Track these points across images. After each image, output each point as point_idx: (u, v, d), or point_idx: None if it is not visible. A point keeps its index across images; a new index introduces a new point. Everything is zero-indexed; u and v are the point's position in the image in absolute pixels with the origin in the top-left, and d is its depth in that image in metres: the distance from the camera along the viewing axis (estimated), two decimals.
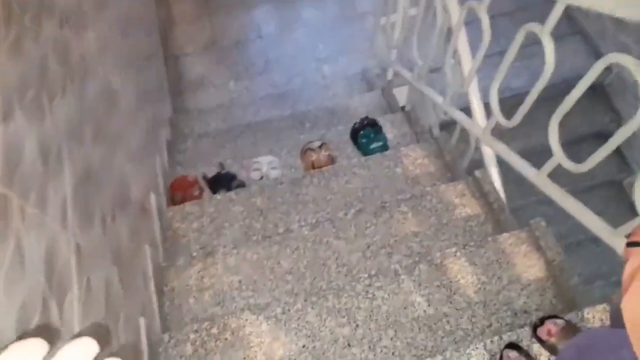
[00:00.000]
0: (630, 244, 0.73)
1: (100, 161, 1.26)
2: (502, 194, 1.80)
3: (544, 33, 1.24)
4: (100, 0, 1.58)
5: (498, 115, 1.57)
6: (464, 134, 2.00)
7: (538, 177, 1.41)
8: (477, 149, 1.95)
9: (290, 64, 3.12)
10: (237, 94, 3.01)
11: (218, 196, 1.97)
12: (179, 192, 2.11)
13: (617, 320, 0.76)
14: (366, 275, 1.50)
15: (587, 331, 1.14)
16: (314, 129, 2.49)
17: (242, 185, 2.14)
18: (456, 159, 2.00)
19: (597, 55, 2.99)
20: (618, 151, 2.76)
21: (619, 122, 2.95)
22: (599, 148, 1.18)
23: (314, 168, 2.15)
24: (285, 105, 2.78)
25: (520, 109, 1.44)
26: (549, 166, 1.38)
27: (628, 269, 0.73)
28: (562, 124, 1.31)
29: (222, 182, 2.14)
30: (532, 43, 1.29)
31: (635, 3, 0.99)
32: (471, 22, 1.63)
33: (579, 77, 1.20)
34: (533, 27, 1.27)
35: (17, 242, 0.67)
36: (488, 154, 1.89)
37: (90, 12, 1.42)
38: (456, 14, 1.84)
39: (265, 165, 2.18)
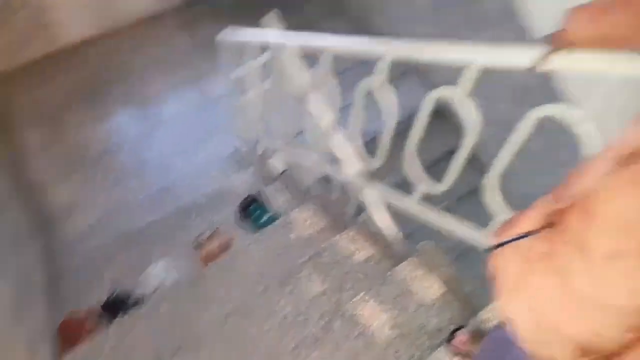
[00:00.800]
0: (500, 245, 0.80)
1: None
2: (391, 228, 1.92)
3: (376, 89, 1.42)
4: None
5: (363, 161, 1.72)
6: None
7: (412, 205, 1.55)
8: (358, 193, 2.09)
9: (163, 160, 3.09)
10: (114, 206, 2.87)
11: (115, 324, 1.83)
12: (71, 332, 1.92)
13: None
14: (289, 351, 1.48)
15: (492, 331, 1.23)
16: (200, 219, 2.46)
17: (140, 301, 2.01)
18: (342, 208, 2.11)
19: (432, 85, 3.42)
20: (475, 159, 3.13)
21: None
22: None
23: (210, 260, 2.11)
24: (167, 203, 2.72)
25: (379, 152, 1.60)
26: (417, 194, 1.53)
27: (509, 271, 0.77)
28: (418, 152, 1.48)
29: (117, 304, 2.00)
30: None
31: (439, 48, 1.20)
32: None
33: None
34: (367, 84, 1.45)
35: None
36: (367, 195, 2.04)
37: None
38: (304, 80, 2.00)
39: (160, 272, 2.09)
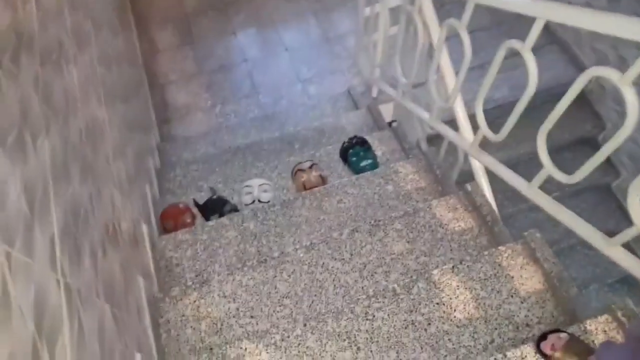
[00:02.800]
0: None
1: (89, 197, 1.24)
2: (494, 205, 1.80)
3: (525, 49, 1.26)
4: (82, 35, 1.58)
5: (485, 130, 1.58)
6: (452, 147, 2.02)
7: (529, 190, 1.42)
8: (466, 161, 1.97)
9: (276, 86, 3.14)
10: (225, 119, 3.01)
11: (211, 222, 1.95)
12: (170, 220, 2.09)
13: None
14: (364, 297, 1.47)
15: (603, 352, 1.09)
16: (303, 150, 2.50)
17: (234, 209, 2.12)
18: (446, 173, 2.00)
19: (575, 62, 3.05)
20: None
21: (601, 127, 2.99)
22: (589, 159, 1.18)
23: (305, 189, 2.14)
24: (273, 127, 2.79)
25: (507, 124, 1.45)
26: (539, 178, 1.38)
27: None
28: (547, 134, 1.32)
29: (214, 207, 2.12)
30: (512, 55, 1.31)
31: (606, 18, 1.01)
32: (452, 37, 1.65)
33: (559, 85, 1.21)
34: (514, 44, 1.29)
35: (3, 290, 0.65)
36: (477, 166, 1.91)
37: (72, 49, 1.41)
38: (436, 31, 1.87)
39: (257, 188, 2.17)
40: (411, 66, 1.97)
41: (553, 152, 1.34)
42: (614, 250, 1.16)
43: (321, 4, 3.48)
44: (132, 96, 2.32)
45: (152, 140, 2.61)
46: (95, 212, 1.28)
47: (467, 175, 1.93)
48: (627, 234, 1.11)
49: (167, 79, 3.15)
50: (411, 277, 1.60)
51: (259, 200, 2.13)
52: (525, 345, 1.23)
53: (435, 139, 2.48)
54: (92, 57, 1.65)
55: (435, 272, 1.49)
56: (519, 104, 1.37)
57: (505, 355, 1.22)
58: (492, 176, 1.79)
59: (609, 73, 1.04)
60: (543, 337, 1.22)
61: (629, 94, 1.01)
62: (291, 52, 3.29)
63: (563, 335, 1.20)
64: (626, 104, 1.02)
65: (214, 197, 2.16)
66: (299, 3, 3.51)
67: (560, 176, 1.28)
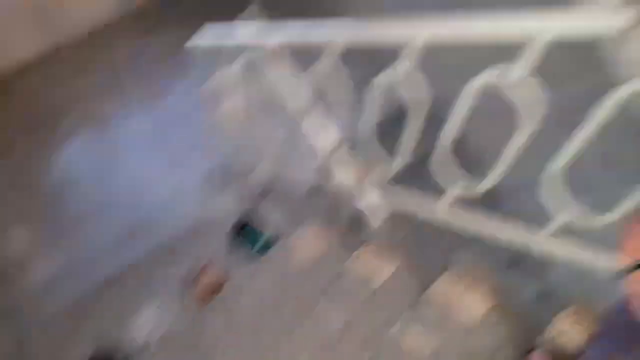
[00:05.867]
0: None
1: None
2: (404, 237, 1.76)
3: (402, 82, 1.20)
4: None
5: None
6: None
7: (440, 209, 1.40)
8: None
9: (128, 193, 2.77)
10: (80, 249, 2.52)
11: None
12: None
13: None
14: None
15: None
16: (186, 254, 2.19)
17: (130, 357, 1.72)
18: (349, 224, 1.91)
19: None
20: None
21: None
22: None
23: (205, 299, 1.85)
24: (143, 241, 2.41)
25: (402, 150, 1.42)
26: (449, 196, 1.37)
27: None
28: None
29: None
30: None
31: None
32: None
33: None
34: (389, 77, 1.22)
35: None
36: (373, 202, 1.85)
37: None
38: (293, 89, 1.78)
39: (149, 320, 1.81)
40: (274, 127, 1.87)
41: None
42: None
43: (149, 91, 3.22)
44: None
45: None
46: None
47: None
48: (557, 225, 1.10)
49: None
50: (368, 352, 1.43)
51: (155, 336, 1.77)
52: None
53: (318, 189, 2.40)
54: None
55: (389, 337, 1.35)
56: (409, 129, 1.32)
57: None
58: None
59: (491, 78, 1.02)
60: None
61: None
62: (134, 149, 2.96)
63: (538, 351, 1.15)
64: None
65: (100, 351, 1.74)
66: (130, 93, 3.20)
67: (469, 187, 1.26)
